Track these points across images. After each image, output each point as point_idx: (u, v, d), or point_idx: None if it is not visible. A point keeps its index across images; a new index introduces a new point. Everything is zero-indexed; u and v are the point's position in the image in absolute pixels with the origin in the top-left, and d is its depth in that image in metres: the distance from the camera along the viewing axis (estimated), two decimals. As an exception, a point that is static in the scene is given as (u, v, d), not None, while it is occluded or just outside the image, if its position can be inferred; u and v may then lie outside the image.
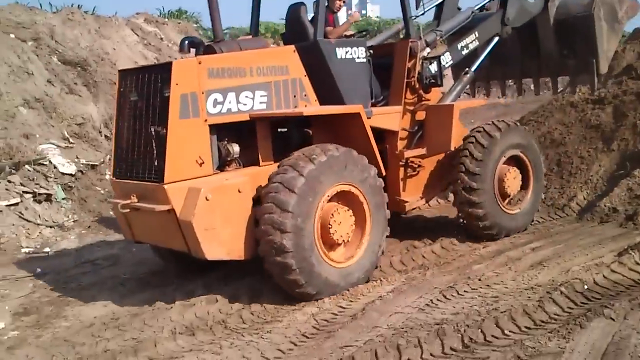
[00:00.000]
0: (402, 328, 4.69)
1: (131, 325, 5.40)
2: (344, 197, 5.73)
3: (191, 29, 19.83)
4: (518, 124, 7.41)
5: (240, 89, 5.71)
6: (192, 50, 6.19)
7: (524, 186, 7.36)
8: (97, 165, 11.14)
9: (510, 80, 10.52)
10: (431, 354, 4.23)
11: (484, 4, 8.55)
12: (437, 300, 5.24)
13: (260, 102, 5.83)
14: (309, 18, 6.62)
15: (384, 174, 6.31)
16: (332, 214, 5.55)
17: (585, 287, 5.20)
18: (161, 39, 18.39)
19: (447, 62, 7.43)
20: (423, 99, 7.10)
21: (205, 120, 5.50)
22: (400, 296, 5.43)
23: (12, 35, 12.96)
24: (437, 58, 7.10)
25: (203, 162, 5.49)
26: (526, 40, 9.02)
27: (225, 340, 4.83)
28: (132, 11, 19.85)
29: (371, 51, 6.79)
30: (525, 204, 7.35)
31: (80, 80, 13.07)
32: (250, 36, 7.20)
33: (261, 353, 4.55)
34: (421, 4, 7.07)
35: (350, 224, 5.73)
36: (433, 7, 8.08)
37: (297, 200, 5.26)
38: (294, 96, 6.03)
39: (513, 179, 7.14)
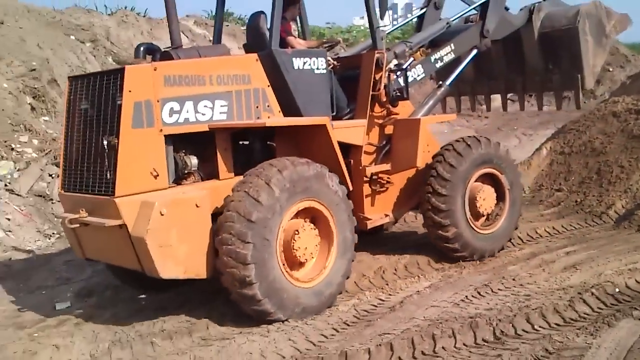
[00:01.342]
0: (438, 320, 5.01)
1: (183, 309, 5.82)
2: (309, 214, 5.48)
3: (238, 31, 20.43)
4: (490, 139, 7.02)
5: (198, 97, 5.43)
6: (149, 57, 5.98)
7: (500, 206, 7.05)
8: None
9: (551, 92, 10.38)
10: (464, 344, 4.54)
11: (462, 15, 8.29)
12: (472, 296, 5.54)
13: (221, 113, 5.54)
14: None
15: (350, 189, 6.01)
16: (297, 232, 5.31)
17: (617, 290, 5.42)
18: (210, 40, 19.01)
19: (418, 75, 7.17)
20: (391, 112, 6.78)
21: (161, 130, 5.20)
22: (437, 292, 5.75)
23: (72, 37, 13.73)
24: (404, 70, 6.80)
25: (158, 175, 5.16)
26: (511, 54, 8.90)
27: (272, 325, 5.21)
28: (182, 14, 20.48)
29: (335, 62, 6.54)
30: (500, 224, 7.02)
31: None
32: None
33: (306, 337, 4.92)
34: (387, 15, 6.64)
35: (315, 243, 5.47)
36: (409, 20, 8.05)
37: (261, 212, 5.02)
38: (257, 107, 5.76)
39: (486, 198, 6.82)
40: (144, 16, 18.30)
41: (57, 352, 5.06)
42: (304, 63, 6.04)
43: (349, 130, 6.37)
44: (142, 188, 5.09)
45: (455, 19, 8.08)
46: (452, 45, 7.47)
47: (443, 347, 4.50)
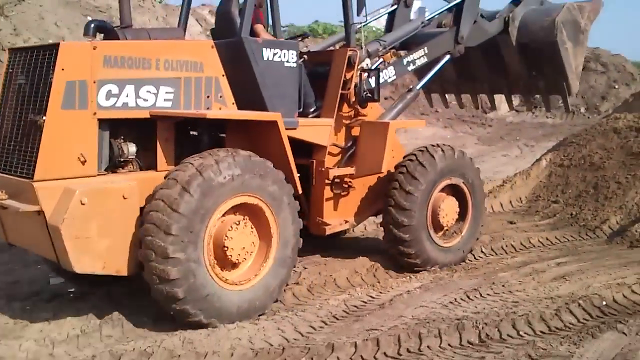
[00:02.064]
0: (425, 320, 5.09)
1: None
2: (246, 210, 5.15)
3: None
4: (456, 149, 6.77)
5: (141, 82, 5.05)
6: (100, 35, 5.51)
7: (462, 217, 6.86)
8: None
9: (559, 102, 10.40)
10: (449, 344, 4.61)
11: (436, 15, 8.12)
12: (461, 299, 5.61)
13: (165, 100, 5.18)
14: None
15: (299, 191, 5.69)
16: (228, 231, 4.97)
17: (604, 302, 5.49)
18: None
19: (389, 77, 6.89)
20: (360, 114, 6.51)
21: (95, 114, 4.84)
22: (427, 293, 5.82)
23: (89, 18, 13.81)
24: (376, 70, 6.50)
25: (86, 161, 4.81)
26: (492, 60, 8.71)
27: (262, 315, 5.29)
28: (198, 3, 20.64)
29: (305, 56, 6.36)
30: (461, 237, 6.84)
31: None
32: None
33: (294, 327, 5.00)
34: (364, 10, 6.12)
35: (251, 242, 5.16)
36: (379, 16, 7.68)
37: (180, 223, 4.67)
38: (208, 97, 5.39)
39: (449, 210, 6.62)
40: (160, 2, 18.42)
41: (48, 325, 5.14)
42: (274, 54, 5.75)
43: (314, 129, 6.11)
44: (67, 173, 4.75)
45: (430, 17, 7.90)
46: (425, 49, 7.24)
47: (428, 346, 4.57)
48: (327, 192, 6.33)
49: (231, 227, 5.00)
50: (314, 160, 6.26)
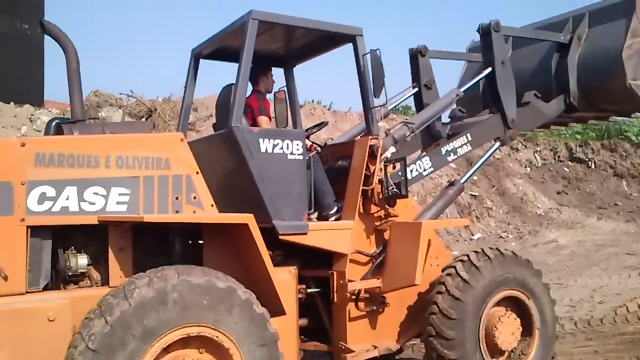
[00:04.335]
0: None
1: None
2: (203, 344, 4.04)
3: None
4: (513, 252, 5.56)
5: (86, 182, 4.28)
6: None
7: (527, 336, 5.55)
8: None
9: None
10: None
11: (470, 86, 6.72)
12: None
13: (119, 203, 4.36)
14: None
15: (285, 312, 4.65)
16: None
17: None
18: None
19: (425, 170, 5.90)
20: (390, 214, 5.43)
21: (23, 220, 4.07)
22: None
23: (265, 126, 15.20)
24: (402, 159, 5.44)
25: (7, 276, 3.99)
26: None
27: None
28: (347, 107, 21.72)
29: (318, 148, 5.64)
30: None
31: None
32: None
33: None
34: (383, 91, 5.17)
35: None
36: (402, 100, 6.79)
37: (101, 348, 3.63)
38: (177, 198, 4.53)
39: (508, 329, 5.32)
40: (329, 109, 19.57)
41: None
42: (275, 146, 4.91)
43: (331, 234, 5.17)
44: None
45: (465, 89, 6.59)
46: (468, 135, 6.22)
47: None
48: (352, 310, 5.25)
49: None
50: (334, 272, 5.24)
